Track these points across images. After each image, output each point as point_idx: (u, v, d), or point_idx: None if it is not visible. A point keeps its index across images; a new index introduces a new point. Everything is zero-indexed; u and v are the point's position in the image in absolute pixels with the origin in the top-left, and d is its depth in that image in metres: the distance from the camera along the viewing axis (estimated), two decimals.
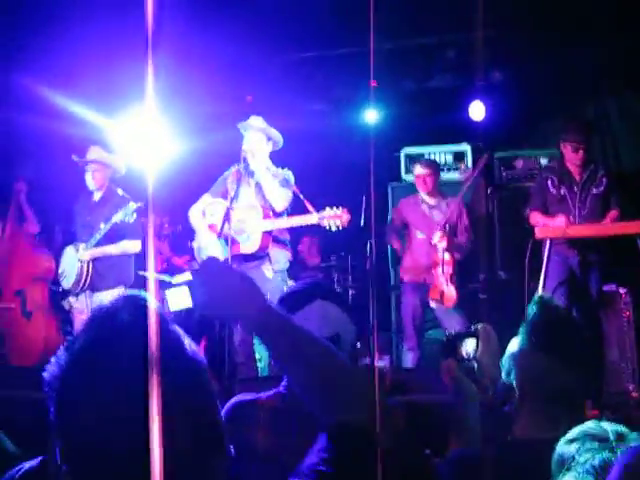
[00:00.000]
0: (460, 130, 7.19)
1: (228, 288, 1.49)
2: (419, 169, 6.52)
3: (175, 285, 1.66)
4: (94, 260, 6.13)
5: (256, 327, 1.49)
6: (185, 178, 6.17)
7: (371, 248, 6.56)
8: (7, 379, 5.00)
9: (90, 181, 6.28)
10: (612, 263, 5.86)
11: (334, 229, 5.42)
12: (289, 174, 5.85)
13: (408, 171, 7.39)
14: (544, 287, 5.58)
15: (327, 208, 5.42)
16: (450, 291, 6.22)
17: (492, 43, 6.58)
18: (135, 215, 5.95)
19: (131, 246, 6.18)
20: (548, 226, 5.71)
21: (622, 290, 6.02)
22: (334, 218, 5.38)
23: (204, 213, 5.96)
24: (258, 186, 5.84)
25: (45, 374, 1.27)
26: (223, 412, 2.18)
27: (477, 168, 6.65)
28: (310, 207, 5.52)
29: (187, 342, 1.28)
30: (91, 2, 5.78)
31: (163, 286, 1.93)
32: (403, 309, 6.59)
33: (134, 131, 5.56)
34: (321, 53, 7.53)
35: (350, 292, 7.37)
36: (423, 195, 6.54)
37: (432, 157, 7.27)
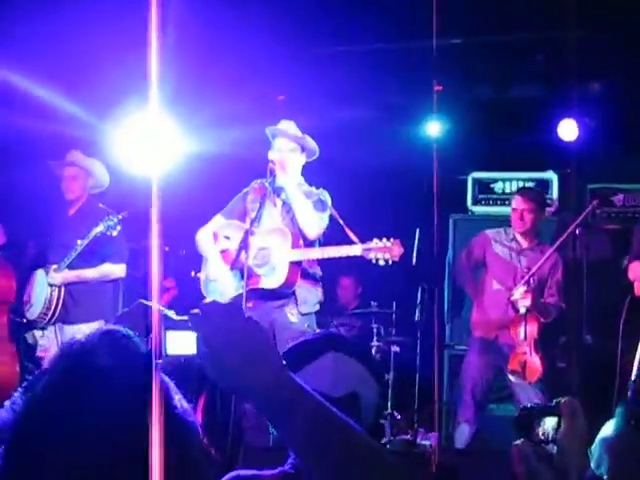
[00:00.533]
0: (545, 153, 7.16)
1: (232, 344, 1.44)
2: (519, 201, 6.29)
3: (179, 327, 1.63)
4: (68, 286, 6.08)
5: (264, 396, 1.44)
6: (194, 191, 6.28)
7: (424, 293, 6.57)
8: None
9: (66, 190, 6.28)
10: None
11: (382, 264, 5.29)
12: (325, 194, 5.75)
13: (477, 201, 7.30)
14: None
15: (375, 239, 5.31)
16: (534, 362, 6.03)
17: (591, 45, 6.61)
18: (119, 228, 5.94)
19: (114, 270, 6.17)
20: None
21: None
22: (383, 251, 5.26)
23: (216, 237, 5.83)
24: (286, 206, 5.73)
25: None
26: None
27: (585, 214, 6.32)
28: (352, 235, 5.40)
29: (177, 398, 1.33)
30: None
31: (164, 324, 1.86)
32: (465, 370, 6.43)
33: (130, 132, 5.69)
34: (370, 47, 7.39)
35: (393, 348, 7.06)
36: (515, 234, 6.36)
37: (508, 185, 7.24)
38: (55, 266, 6.06)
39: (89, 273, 6.11)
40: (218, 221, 5.87)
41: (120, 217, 5.95)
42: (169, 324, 1.71)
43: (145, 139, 5.53)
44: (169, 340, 1.66)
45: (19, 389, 1.35)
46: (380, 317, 7.30)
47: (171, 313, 2.08)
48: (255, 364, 1.43)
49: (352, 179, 6.98)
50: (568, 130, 6.84)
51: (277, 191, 5.77)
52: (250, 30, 6.59)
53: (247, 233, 5.49)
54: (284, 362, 1.47)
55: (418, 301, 6.68)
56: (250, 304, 5.41)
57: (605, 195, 6.96)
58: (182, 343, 1.65)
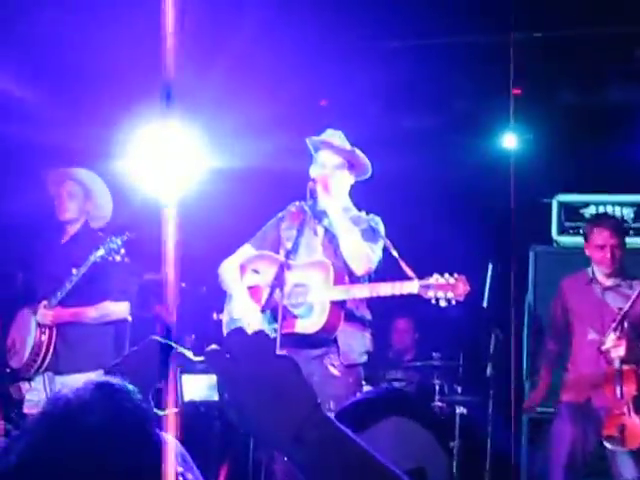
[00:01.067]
0: None
1: (259, 385, 1.49)
2: (604, 235, 6.21)
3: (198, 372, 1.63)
4: (60, 327, 6.04)
5: (296, 440, 1.46)
6: (218, 215, 6.42)
7: (498, 343, 6.52)
8: None
9: (61, 208, 6.26)
10: None
11: (443, 304, 5.19)
12: (378, 221, 5.69)
13: (563, 230, 7.29)
14: None
15: (435, 274, 5.21)
16: (634, 425, 5.94)
17: None
18: (123, 252, 5.90)
19: (115, 309, 6.13)
20: None
21: None
22: (445, 289, 5.17)
23: (244, 270, 5.76)
24: (329, 235, 5.68)
25: None
26: None
27: None
28: (408, 269, 5.29)
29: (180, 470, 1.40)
30: None
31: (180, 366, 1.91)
32: (556, 442, 6.29)
33: (143, 144, 5.57)
34: (433, 42, 7.39)
35: (458, 410, 7.09)
36: (598, 273, 6.30)
37: (602, 209, 7.27)
38: (45, 302, 6.00)
39: (87, 312, 6.07)
40: (246, 252, 5.82)
41: (125, 238, 5.90)
42: (185, 367, 1.82)
43: (160, 152, 5.49)
44: (186, 385, 1.68)
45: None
46: (443, 371, 7.33)
47: (189, 353, 2.10)
48: (286, 408, 1.48)
49: (409, 201, 7.01)
50: None
51: (318, 216, 5.73)
52: (287, 22, 6.61)
53: (282, 267, 5.40)
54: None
55: (490, 352, 6.65)
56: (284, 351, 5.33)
57: None
58: (201, 388, 1.66)
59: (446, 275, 5.21)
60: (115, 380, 1.37)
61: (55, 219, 6.28)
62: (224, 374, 1.50)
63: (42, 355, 5.98)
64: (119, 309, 6.10)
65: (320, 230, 5.74)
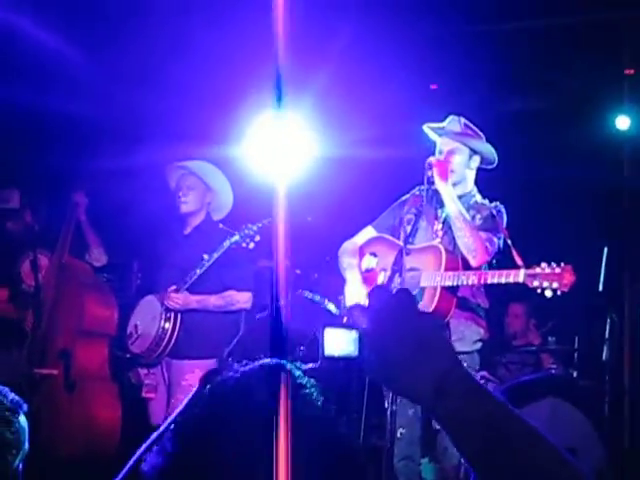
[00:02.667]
0: None
1: (403, 342, 1.52)
2: None
3: (340, 326, 1.73)
4: (183, 315, 6.16)
5: (439, 395, 1.50)
6: (334, 201, 6.41)
7: (614, 326, 6.43)
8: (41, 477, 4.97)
9: (182, 200, 6.35)
10: None
11: (549, 294, 5.17)
12: (501, 208, 5.68)
13: None
14: None
15: (543, 263, 5.16)
16: None
17: None
18: (258, 239, 5.95)
19: (240, 299, 6.23)
20: None
21: None
22: (551, 279, 5.13)
23: (362, 252, 5.81)
24: (449, 222, 5.68)
25: (144, 465, 1.37)
26: None
27: None
28: (518, 258, 5.30)
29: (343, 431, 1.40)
30: None
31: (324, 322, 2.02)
32: None
33: (260, 134, 5.62)
34: (544, 22, 7.30)
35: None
36: None
37: None
38: (174, 287, 6.11)
39: (212, 300, 6.17)
40: (368, 233, 5.90)
41: (260, 225, 5.96)
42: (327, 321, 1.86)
43: (276, 142, 5.55)
44: (327, 339, 1.72)
45: (167, 433, 1.42)
46: (559, 355, 7.25)
47: (332, 307, 2.22)
48: (428, 362, 1.51)
49: (519, 187, 6.96)
50: None
51: (438, 202, 5.75)
52: (394, 6, 6.58)
53: (401, 252, 5.46)
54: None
55: (606, 336, 6.56)
56: None
57: None
58: (342, 343, 1.70)
59: (553, 264, 5.17)
60: (276, 360, 1.39)
61: (177, 211, 6.35)
62: (367, 330, 1.55)
63: (165, 341, 6.12)
64: (243, 299, 6.22)
65: (441, 215, 5.73)
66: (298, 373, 1.39)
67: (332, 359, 1.75)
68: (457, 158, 5.67)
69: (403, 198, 5.84)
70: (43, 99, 6.27)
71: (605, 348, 6.53)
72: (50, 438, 6.14)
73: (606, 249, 6.26)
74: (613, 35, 6.35)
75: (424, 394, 1.52)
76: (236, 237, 5.97)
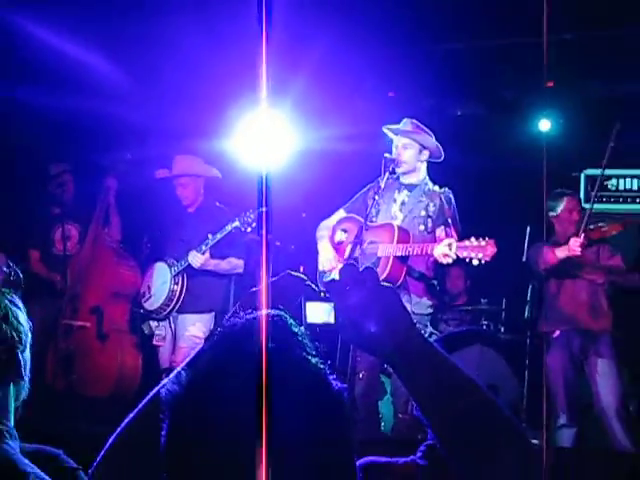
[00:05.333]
0: None
1: (370, 302, 1.54)
2: None
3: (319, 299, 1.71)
4: (189, 279, 6.25)
5: (397, 350, 1.53)
6: (312, 187, 6.44)
7: (534, 291, 6.44)
8: (72, 411, 5.21)
9: (181, 197, 6.47)
10: None
11: (475, 263, 5.24)
12: (449, 194, 5.75)
13: (589, 198, 7.10)
14: None
15: (472, 238, 5.27)
16: None
17: None
18: (255, 225, 5.99)
19: (239, 264, 6.34)
20: None
21: None
22: (477, 250, 5.21)
23: (334, 230, 5.92)
24: (404, 203, 5.80)
25: (163, 391, 1.35)
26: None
27: None
28: (455, 234, 5.48)
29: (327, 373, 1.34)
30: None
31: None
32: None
33: (250, 127, 5.49)
34: (479, 43, 7.26)
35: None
36: None
37: (622, 182, 7.37)
38: (195, 251, 6.18)
39: (222, 264, 6.28)
40: (340, 214, 5.97)
41: (257, 212, 5.88)
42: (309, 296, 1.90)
43: (262, 135, 5.59)
44: (309, 310, 1.70)
45: (182, 365, 1.41)
46: (489, 314, 7.28)
47: (314, 286, 2.22)
48: (389, 325, 1.52)
49: (462, 176, 6.77)
50: None
51: (396, 188, 5.84)
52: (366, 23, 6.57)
53: (361, 227, 5.56)
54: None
55: (528, 298, 6.56)
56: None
57: None
58: (320, 313, 1.68)
59: (480, 239, 5.22)
60: (275, 311, 1.35)
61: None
62: (341, 300, 1.54)
63: (174, 301, 6.21)
64: (240, 264, 6.29)
65: (399, 198, 5.80)
66: (291, 322, 1.37)
67: (312, 325, 1.69)
68: (409, 152, 5.72)
69: (368, 186, 5.87)
70: (81, 102, 6.22)
71: (527, 308, 6.57)
72: (83, 378, 6.26)
73: (529, 228, 6.32)
74: (538, 54, 6.32)
75: (386, 350, 1.54)
76: (236, 223, 6.01)
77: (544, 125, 6.90)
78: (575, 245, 5.71)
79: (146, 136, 6.85)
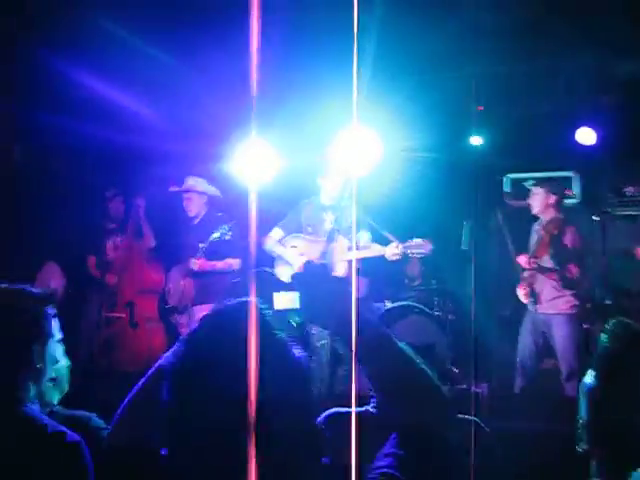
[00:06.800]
0: (569, 157, 7.10)
1: (325, 290, 1.60)
2: None
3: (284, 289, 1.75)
4: (196, 278, 6.54)
5: (345, 325, 1.57)
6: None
7: (473, 272, 6.31)
8: (110, 382, 5.24)
9: (187, 209, 6.77)
10: None
11: (418, 256, 5.73)
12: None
13: (511, 196, 7.42)
14: None
15: (414, 239, 5.69)
16: None
17: (604, 67, 6.56)
18: (231, 233, 6.28)
19: (234, 263, 6.54)
20: None
21: None
22: (418, 248, 5.65)
23: (285, 244, 6.29)
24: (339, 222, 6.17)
25: (162, 361, 1.43)
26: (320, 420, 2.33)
27: None
28: (392, 237, 5.79)
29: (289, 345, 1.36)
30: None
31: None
32: None
33: (240, 152, 5.93)
34: (419, 77, 7.13)
35: (449, 317, 7.11)
36: None
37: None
38: (194, 259, 6.46)
39: (218, 264, 6.51)
40: (279, 232, 6.29)
41: (230, 225, 6.28)
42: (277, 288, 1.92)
43: (248, 159, 5.73)
44: (275, 299, 1.81)
45: (178, 342, 1.42)
46: (439, 292, 7.36)
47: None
48: (341, 309, 1.59)
49: (409, 184, 7.03)
50: (586, 137, 6.91)
51: (327, 209, 6.20)
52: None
53: (318, 242, 6.04)
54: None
55: (469, 277, 6.22)
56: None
57: (617, 187, 7.02)
58: (286, 301, 1.74)
59: (421, 239, 5.66)
60: (248, 299, 1.34)
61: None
62: (304, 290, 1.59)
63: (186, 297, 6.54)
64: (235, 262, 6.54)
65: (329, 218, 6.16)
66: (262, 306, 1.36)
67: (280, 311, 1.73)
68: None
69: (300, 205, 6.27)
70: (121, 136, 6.40)
71: (469, 286, 6.28)
72: (119, 359, 6.60)
73: (465, 222, 6.43)
74: (467, 84, 6.41)
75: (339, 328, 1.60)
76: (217, 235, 6.37)
77: (476, 140, 7.02)
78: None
79: (166, 162, 6.94)
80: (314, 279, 1.63)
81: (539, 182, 6.42)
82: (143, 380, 1.78)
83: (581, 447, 2.06)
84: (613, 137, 6.92)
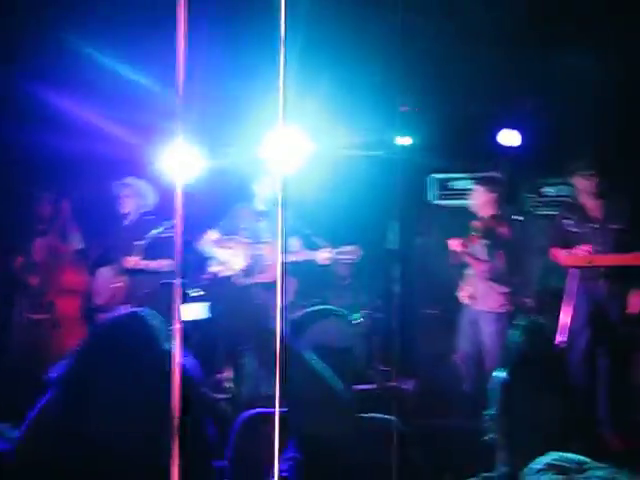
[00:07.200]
0: (492, 158, 7.18)
1: (232, 300, 1.58)
2: None
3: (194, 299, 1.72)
4: (129, 276, 6.57)
5: (257, 336, 1.60)
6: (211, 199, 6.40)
7: (399, 271, 6.49)
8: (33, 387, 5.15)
9: (122, 205, 6.79)
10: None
11: (349, 262, 6.06)
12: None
13: (436, 196, 7.51)
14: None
15: (347, 246, 6.01)
16: None
17: (530, 69, 6.71)
18: (172, 232, 6.15)
19: (167, 263, 6.52)
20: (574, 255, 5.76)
21: None
22: (349, 254, 5.99)
23: (221, 246, 6.42)
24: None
25: (51, 373, 1.42)
26: (239, 421, 2.42)
27: None
28: (325, 245, 6.08)
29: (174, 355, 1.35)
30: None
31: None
32: None
33: (167, 153, 5.98)
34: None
35: (378, 315, 7.27)
36: None
37: (461, 182, 7.38)
38: (128, 256, 6.49)
39: (151, 264, 6.54)
40: (214, 234, 6.42)
41: (171, 224, 6.28)
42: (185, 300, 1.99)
43: (178, 161, 5.74)
44: (183, 310, 1.84)
45: (70, 353, 1.46)
46: (368, 290, 7.44)
47: (191, 291, 2.29)
48: (247, 319, 1.71)
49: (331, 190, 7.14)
50: (509, 138, 7.07)
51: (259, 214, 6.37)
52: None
53: (249, 245, 6.18)
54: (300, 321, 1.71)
55: (396, 276, 6.39)
56: None
57: (537, 187, 7.20)
58: (192, 312, 1.80)
59: (350, 247, 6.00)
60: (140, 309, 1.35)
61: (118, 211, 6.78)
62: (214, 300, 1.65)
63: (117, 295, 6.54)
64: (169, 263, 6.49)
65: (263, 224, 6.33)
66: (149, 315, 1.36)
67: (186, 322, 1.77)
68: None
69: (235, 209, 6.40)
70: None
71: (395, 285, 6.45)
72: (42, 361, 6.20)
73: (391, 221, 6.27)
74: (396, 84, 6.38)
75: (248, 337, 1.71)
76: (160, 229, 6.40)
77: (402, 140, 7.10)
78: None
79: (96, 163, 6.84)
80: (224, 290, 1.60)
81: (480, 180, 6.56)
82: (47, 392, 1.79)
83: (489, 438, 2.13)
84: (534, 139, 7.08)
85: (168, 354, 1.33)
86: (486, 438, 2.17)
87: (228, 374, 6.17)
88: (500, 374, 2.20)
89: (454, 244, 6.17)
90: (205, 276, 6.42)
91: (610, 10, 5.85)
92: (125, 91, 6.42)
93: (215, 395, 6.11)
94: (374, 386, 6.71)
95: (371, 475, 1.75)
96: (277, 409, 2.00)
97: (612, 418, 5.59)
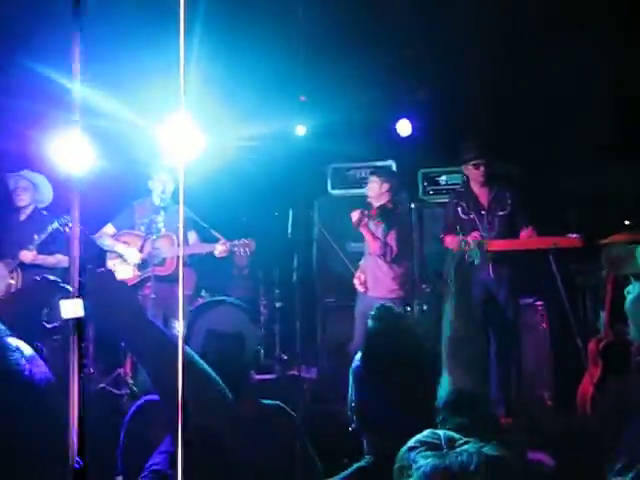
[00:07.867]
0: (386, 147, 7.34)
1: (108, 295, 1.65)
2: None
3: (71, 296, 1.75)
4: (24, 271, 6.37)
5: (126, 330, 1.64)
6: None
7: (299, 259, 6.78)
8: None
9: (18, 198, 6.58)
10: (526, 278, 6.07)
11: (244, 255, 6.15)
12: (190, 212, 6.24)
13: (334, 186, 7.58)
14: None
15: (242, 239, 6.08)
16: None
17: (423, 61, 6.87)
18: (71, 225, 6.00)
19: (64, 260, 6.42)
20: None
21: (539, 303, 6.41)
22: (244, 247, 6.08)
23: (117, 240, 6.52)
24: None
25: None
26: (134, 409, 2.44)
27: None
28: (219, 236, 6.15)
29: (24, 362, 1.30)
30: None
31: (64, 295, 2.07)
32: None
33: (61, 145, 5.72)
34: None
35: (277, 304, 7.42)
36: None
37: (358, 172, 7.50)
38: (26, 250, 6.34)
39: (49, 259, 6.43)
40: (111, 229, 6.47)
41: (69, 219, 6.10)
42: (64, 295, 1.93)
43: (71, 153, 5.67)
44: (62, 308, 1.79)
45: None
46: (265, 282, 7.60)
47: (69, 286, 2.25)
48: (119, 312, 1.66)
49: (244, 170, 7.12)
50: (404, 128, 7.20)
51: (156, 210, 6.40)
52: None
53: (145, 239, 6.27)
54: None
55: (294, 266, 6.77)
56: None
57: (433, 177, 7.39)
58: (72, 308, 1.73)
59: (246, 239, 6.06)
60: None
61: (13, 205, 6.59)
62: (89, 298, 1.53)
63: (13, 290, 6.29)
64: (66, 259, 6.26)
65: (160, 218, 6.34)
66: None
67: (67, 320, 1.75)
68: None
69: (132, 205, 6.49)
70: None
71: (294, 274, 6.78)
72: None
73: (291, 211, 6.72)
74: (293, 74, 6.42)
75: (119, 331, 1.68)
76: (55, 224, 6.29)
77: (300, 130, 7.15)
78: None
79: None
80: (99, 285, 1.67)
81: (375, 171, 6.67)
82: None
83: (351, 427, 2.10)
84: (427, 129, 7.23)
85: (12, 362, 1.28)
86: (349, 429, 2.11)
87: (127, 369, 6.22)
88: (356, 362, 2.15)
89: (354, 215, 6.26)
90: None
91: None
92: (20, 81, 6.14)
93: (116, 391, 6.16)
94: (276, 376, 6.87)
95: (262, 467, 1.71)
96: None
97: (503, 397, 5.79)
